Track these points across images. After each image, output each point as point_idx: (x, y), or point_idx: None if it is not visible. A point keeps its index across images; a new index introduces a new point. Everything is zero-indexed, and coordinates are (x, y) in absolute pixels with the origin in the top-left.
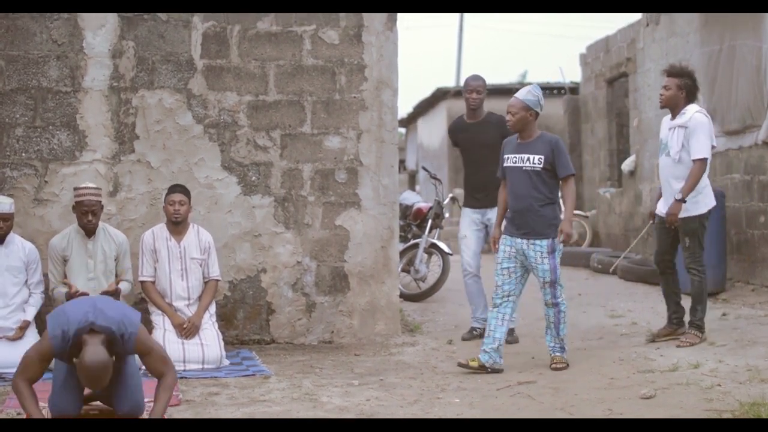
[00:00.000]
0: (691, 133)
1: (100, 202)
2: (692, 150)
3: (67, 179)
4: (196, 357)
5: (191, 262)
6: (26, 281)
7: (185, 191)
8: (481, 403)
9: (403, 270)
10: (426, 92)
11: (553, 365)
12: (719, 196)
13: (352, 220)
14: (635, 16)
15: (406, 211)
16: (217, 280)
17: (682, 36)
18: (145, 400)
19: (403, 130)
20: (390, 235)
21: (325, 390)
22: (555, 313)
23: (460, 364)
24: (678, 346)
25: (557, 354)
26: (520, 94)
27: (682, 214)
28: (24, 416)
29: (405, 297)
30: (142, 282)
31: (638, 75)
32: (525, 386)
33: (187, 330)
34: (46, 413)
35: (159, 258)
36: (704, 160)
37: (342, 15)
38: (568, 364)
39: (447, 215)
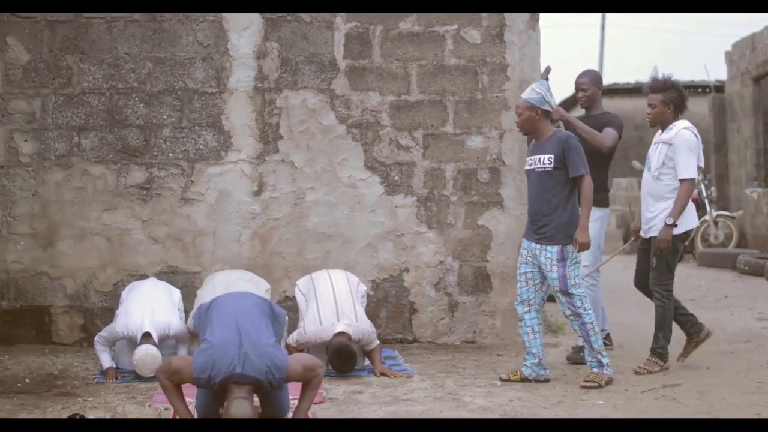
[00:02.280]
0: (675, 151)
1: None
2: (678, 169)
3: (213, 179)
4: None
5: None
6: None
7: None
8: (625, 406)
9: None
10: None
11: (582, 383)
12: None
13: (494, 219)
14: None
15: None
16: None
17: None
18: (290, 398)
19: None
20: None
21: (468, 390)
22: (579, 325)
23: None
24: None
25: (594, 370)
26: (524, 94)
27: (652, 234)
28: (171, 410)
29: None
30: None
31: None
32: (670, 389)
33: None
34: (192, 408)
35: None
36: (692, 180)
37: (484, 15)
38: (600, 384)
39: None
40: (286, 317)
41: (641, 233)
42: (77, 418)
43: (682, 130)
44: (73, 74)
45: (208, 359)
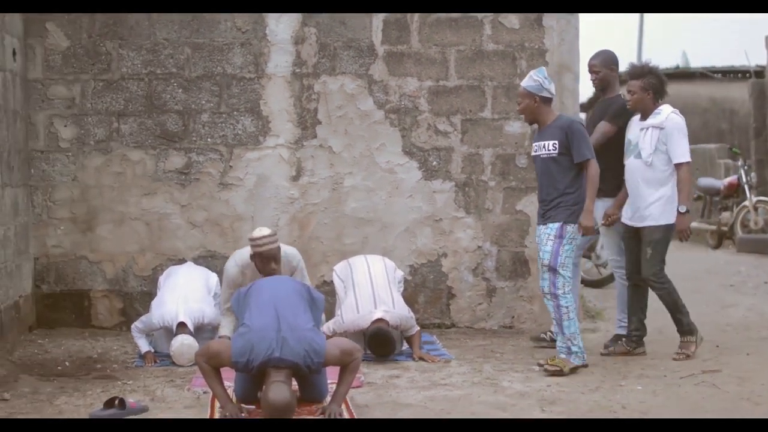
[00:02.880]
0: (668, 136)
1: (279, 246)
2: (674, 154)
3: (251, 164)
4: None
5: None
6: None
7: None
8: (664, 391)
9: (584, 256)
10: None
11: (545, 366)
12: None
13: (532, 205)
14: None
15: None
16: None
17: None
18: (329, 382)
19: (583, 115)
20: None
21: (506, 375)
22: (555, 307)
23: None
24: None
25: (561, 356)
26: (523, 81)
27: (647, 223)
28: (210, 394)
29: (586, 283)
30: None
31: None
32: (709, 375)
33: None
34: (231, 393)
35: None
36: (689, 163)
37: None
38: (563, 371)
39: None
40: (324, 302)
41: (626, 220)
42: (116, 401)
43: (671, 114)
44: (112, 60)
45: (247, 343)
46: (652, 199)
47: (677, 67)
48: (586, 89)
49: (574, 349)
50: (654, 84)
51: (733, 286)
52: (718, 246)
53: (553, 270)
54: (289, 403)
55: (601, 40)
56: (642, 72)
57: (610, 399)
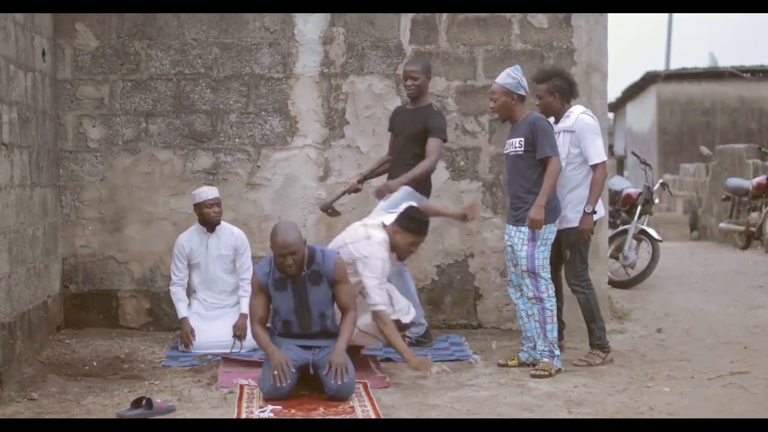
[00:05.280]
0: (579, 138)
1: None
2: (588, 155)
3: (279, 164)
4: None
5: None
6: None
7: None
8: (691, 393)
9: (611, 256)
10: (635, 76)
11: (533, 371)
12: None
13: None
14: None
15: (615, 196)
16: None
17: None
18: (356, 380)
19: (611, 114)
20: (599, 221)
21: None
22: (539, 310)
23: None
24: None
25: (544, 359)
26: (500, 79)
27: (562, 225)
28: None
29: (614, 284)
30: None
31: None
32: (737, 377)
33: None
34: (256, 391)
35: None
36: (604, 163)
37: None
38: (551, 374)
39: (657, 201)
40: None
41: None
42: (143, 401)
43: (581, 116)
44: (140, 60)
45: (266, 260)
46: (566, 202)
47: (711, 67)
48: (614, 89)
49: (556, 352)
50: (560, 86)
51: (761, 287)
52: (746, 246)
53: (533, 274)
54: (293, 225)
55: (629, 40)
56: (547, 75)
57: (637, 400)
